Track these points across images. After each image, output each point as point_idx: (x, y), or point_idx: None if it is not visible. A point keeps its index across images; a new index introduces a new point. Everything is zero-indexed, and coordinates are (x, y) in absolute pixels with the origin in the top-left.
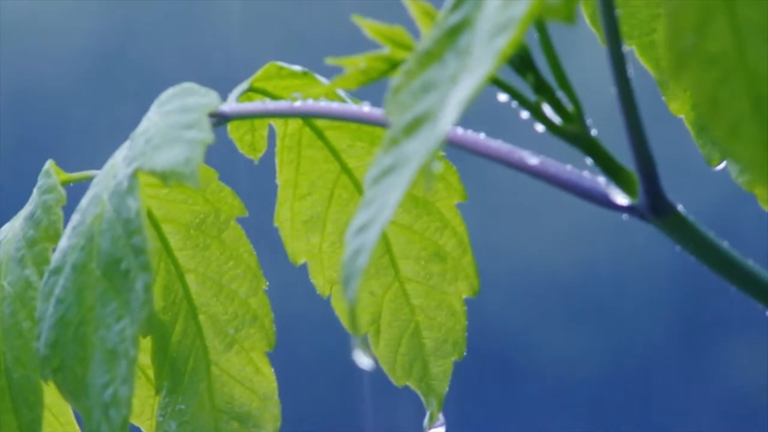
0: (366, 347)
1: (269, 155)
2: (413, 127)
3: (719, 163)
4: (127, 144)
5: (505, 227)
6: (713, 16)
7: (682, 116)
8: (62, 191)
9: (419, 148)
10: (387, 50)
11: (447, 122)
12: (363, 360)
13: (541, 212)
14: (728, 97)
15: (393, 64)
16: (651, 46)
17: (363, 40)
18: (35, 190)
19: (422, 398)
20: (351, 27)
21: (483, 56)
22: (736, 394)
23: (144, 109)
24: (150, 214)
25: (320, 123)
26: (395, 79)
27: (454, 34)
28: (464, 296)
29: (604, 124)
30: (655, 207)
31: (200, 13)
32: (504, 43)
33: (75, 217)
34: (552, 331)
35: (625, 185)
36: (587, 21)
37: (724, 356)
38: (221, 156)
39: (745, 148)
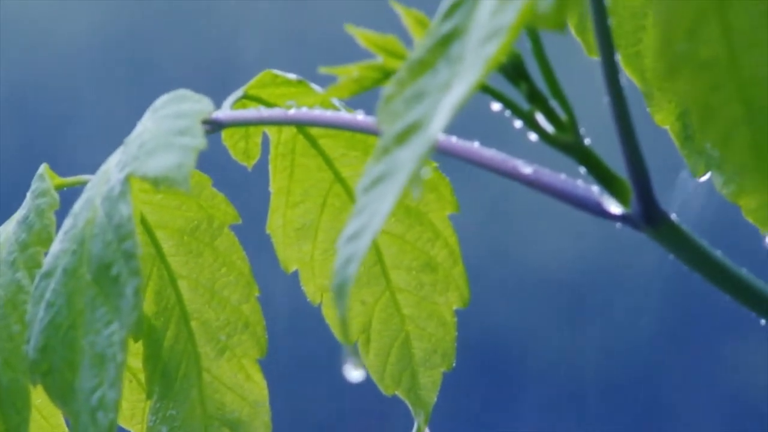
0: (357, 356)
1: (262, 162)
2: (405, 135)
3: (704, 174)
4: (120, 149)
5: (505, 227)
6: (705, 22)
7: (666, 127)
8: (55, 195)
9: (410, 156)
10: (380, 59)
11: (436, 128)
12: (352, 373)
13: (541, 212)
14: (721, 104)
15: (386, 73)
16: (636, 57)
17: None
18: (28, 194)
19: (410, 408)
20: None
21: (472, 63)
22: (736, 394)
23: (144, 109)
24: (143, 220)
25: (314, 131)
26: (387, 88)
27: (446, 42)
28: (454, 307)
29: (597, 132)
30: (648, 216)
31: (201, 13)
32: (493, 50)
33: (67, 222)
34: (551, 331)
35: (618, 194)
36: (572, 30)
37: (724, 356)
38: (215, 162)
39: (737, 154)
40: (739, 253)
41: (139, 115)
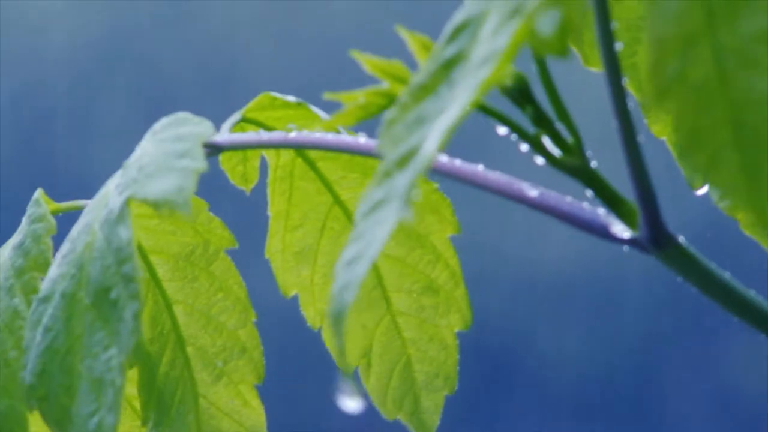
0: (354, 383)
1: (260, 186)
2: (405, 160)
3: (702, 186)
4: (119, 172)
5: (505, 226)
6: (696, 44)
7: (664, 138)
8: (52, 220)
9: (406, 179)
10: (386, 85)
11: (429, 150)
12: (349, 404)
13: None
14: (710, 125)
15: (392, 99)
16: (633, 68)
17: (363, 40)
18: (24, 219)
19: None
20: (351, 26)
21: (467, 86)
22: (736, 394)
23: (144, 113)
24: (139, 245)
25: (313, 154)
26: (389, 112)
27: (448, 67)
28: (456, 330)
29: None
30: (655, 239)
31: (202, 13)
32: (486, 73)
33: (65, 246)
34: (551, 330)
35: (625, 217)
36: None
37: (724, 356)
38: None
39: (725, 175)
40: (743, 261)
41: (139, 118)
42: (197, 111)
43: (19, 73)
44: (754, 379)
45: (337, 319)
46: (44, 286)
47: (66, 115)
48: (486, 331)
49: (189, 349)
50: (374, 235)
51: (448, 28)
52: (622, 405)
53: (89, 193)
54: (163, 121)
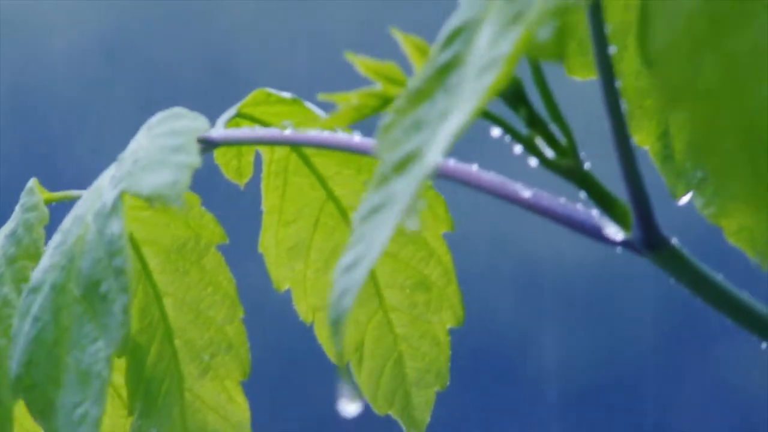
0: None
1: (254, 181)
2: (403, 164)
3: (683, 195)
4: (113, 166)
5: (504, 225)
6: (703, 51)
7: (646, 147)
8: (45, 210)
9: (407, 186)
10: (379, 86)
11: (434, 157)
12: (348, 408)
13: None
14: (720, 132)
15: (385, 101)
16: (617, 76)
17: (363, 40)
18: (17, 208)
19: (403, 428)
20: (350, 26)
21: (471, 92)
22: (736, 394)
23: (145, 114)
24: (131, 236)
25: (308, 150)
26: (386, 116)
27: (444, 72)
28: (448, 326)
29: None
30: (649, 241)
31: (203, 17)
32: (491, 79)
33: (57, 237)
34: (550, 332)
35: (618, 218)
36: None
37: (724, 356)
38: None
39: (737, 182)
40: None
41: (140, 116)
42: (196, 109)
43: (19, 72)
44: (755, 379)
45: (337, 324)
46: (35, 277)
47: (67, 115)
48: (486, 331)
49: (177, 342)
50: (372, 239)
51: (444, 32)
52: (622, 405)
53: None
54: (159, 115)
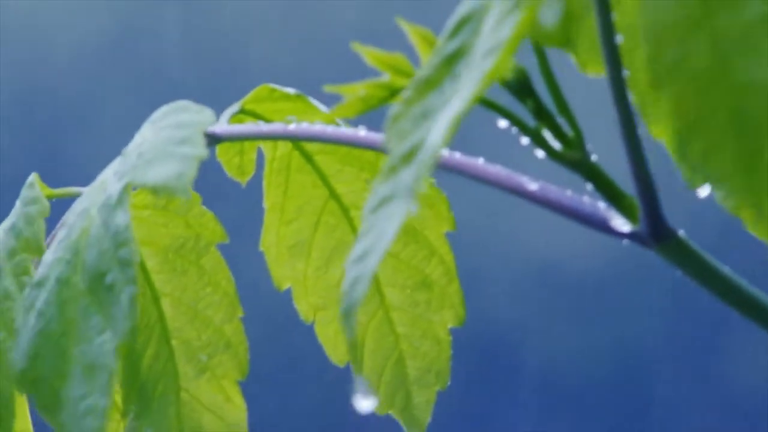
0: (368, 384)
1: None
2: (411, 155)
3: (701, 185)
4: (118, 160)
5: (506, 225)
6: (694, 31)
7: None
8: (46, 203)
9: (413, 172)
10: (387, 77)
11: (434, 143)
12: (362, 403)
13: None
14: (708, 113)
15: (393, 92)
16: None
17: (364, 40)
18: (18, 202)
19: (404, 428)
20: (351, 25)
21: (471, 78)
22: (736, 394)
23: (146, 108)
24: None
25: (310, 147)
26: (394, 107)
27: (452, 61)
28: (450, 326)
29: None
30: (655, 233)
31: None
32: (489, 65)
33: (61, 232)
34: (551, 329)
35: (625, 211)
36: None
37: (724, 356)
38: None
39: (723, 164)
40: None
41: (141, 118)
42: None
43: (21, 70)
44: (757, 376)
45: (349, 312)
46: (39, 271)
47: (68, 114)
48: (486, 329)
49: (174, 342)
50: (383, 229)
51: (451, 21)
52: (622, 404)
53: None
54: (163, 108)
